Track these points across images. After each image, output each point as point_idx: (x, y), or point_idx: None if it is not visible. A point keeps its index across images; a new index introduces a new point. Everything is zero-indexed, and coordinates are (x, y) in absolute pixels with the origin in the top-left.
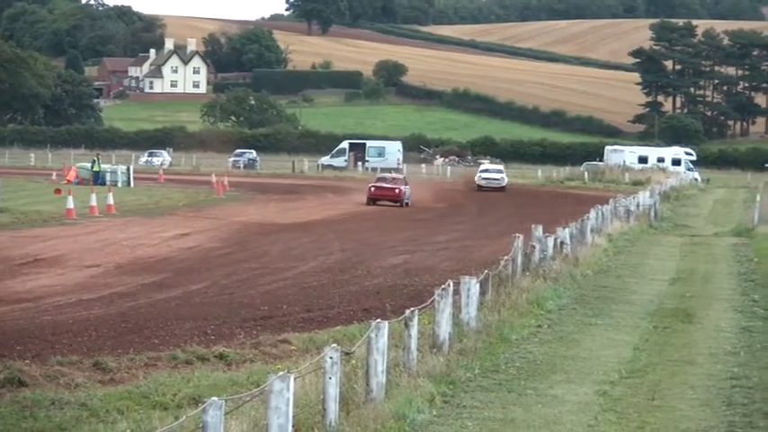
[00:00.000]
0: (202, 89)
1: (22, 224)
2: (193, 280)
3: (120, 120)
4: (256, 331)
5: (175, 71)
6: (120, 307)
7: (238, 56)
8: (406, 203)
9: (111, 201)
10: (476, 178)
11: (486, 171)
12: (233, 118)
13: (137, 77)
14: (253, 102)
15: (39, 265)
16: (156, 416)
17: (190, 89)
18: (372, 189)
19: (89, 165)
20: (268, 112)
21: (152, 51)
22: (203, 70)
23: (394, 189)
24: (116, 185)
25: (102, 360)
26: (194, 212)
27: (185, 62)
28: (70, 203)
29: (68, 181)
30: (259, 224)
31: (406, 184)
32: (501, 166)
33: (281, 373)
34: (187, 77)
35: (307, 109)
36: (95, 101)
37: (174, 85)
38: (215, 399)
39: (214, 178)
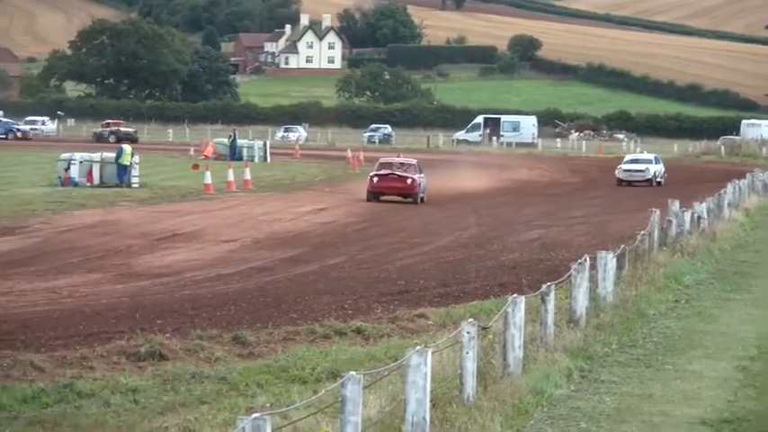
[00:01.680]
0: (337, 64)
1: (160, 199)
2: (330, 254)
3: (256, 95)
4: (393, 306)
5: (311, 47)
6: (258, 281)
7: (373, 31)
8: (422, 199)
9: (248, 176)
10: (616, 171)
11: (631, 161)
12: (368, 93)
13: (272, 53)
14: (387, 77)
15: (177, 239)
16: (295, 389)
17: (325, 65)
18: (374, 180)
19: (226, 140)
20: (403, 88)
21: (287, 27)
22: (338, 46)
23: (405, 179)
24: (253, 161)
25: (240, 334)
26: (330, 187)
27: (320, 38)
28: (208, 179)
29: (206, 156)
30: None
31: (420, 172)
32: (651, 155)
33: (418, 347)
34: (322, 53)
35: (441, 84)
36: (232, 77)
37: (309, 60)
38: (353, 373)
39: (350, 153)
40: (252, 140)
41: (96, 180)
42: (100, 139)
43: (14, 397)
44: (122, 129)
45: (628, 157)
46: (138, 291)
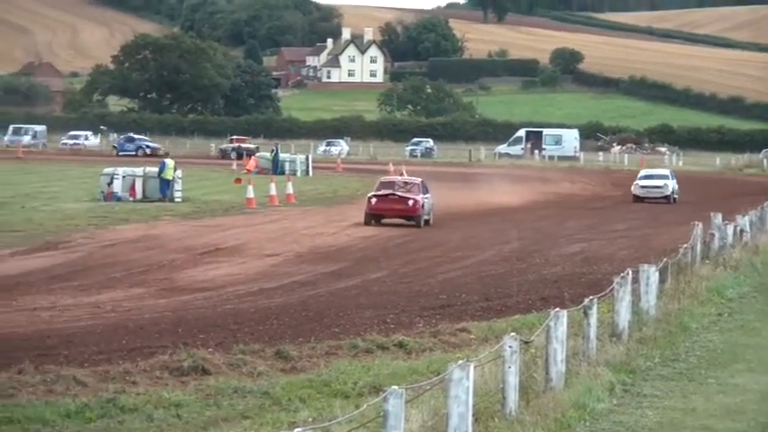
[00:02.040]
0: (379, 78)
1: (203, 213)
2: (372, 269)
3: (298, 109)
4: (435, 320)
5: (352, 60)
6: (301, 295)
7: (415, 45)
8: (426, 221)
9: (290, 190)
10: (632, 187)
11: (647, 177)
12: (410, 107)
13: (314, 67)
14: (429, 90)
15: (220, 254)
16: (338, 404)
17: (367, 78)
18: (373, 201)
19: (268, 154)
20: (444, 101)
21: (329, 41)
22: (380, 59)
23: (407, 200)
24: (295, 175)
25: (283, 348)
26: None
27: (362, 51)
28: (250, 193)
29: (248, 170)
30: (435, 213)
31: (425, 192)
32: (667, 170)
33: (460, 361)
34: (364, 67)
35: (483, 97)
36: (274, 91)
37: (351, 74)
38: (395, 387)
39: (392, 167)
40: (294, 154)
41: (139, 195)
42: (224, 155)
43: (58, 412)
44: (243, 145)
45: (642, 173)
46: (181, 305)
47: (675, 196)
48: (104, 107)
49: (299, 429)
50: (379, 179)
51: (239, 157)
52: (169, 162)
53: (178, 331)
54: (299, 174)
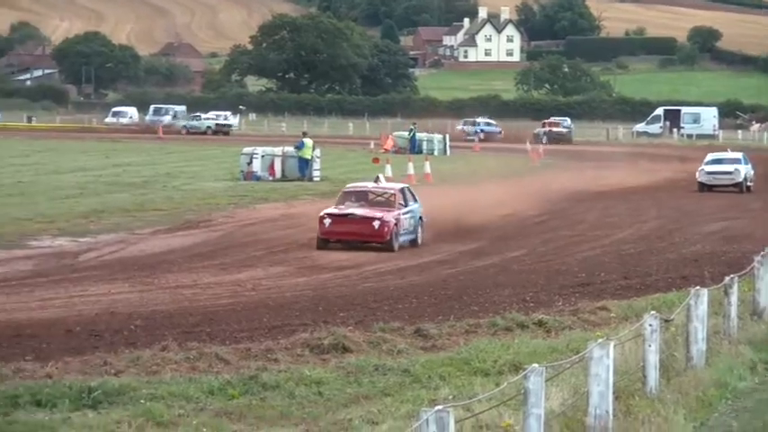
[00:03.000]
0: (516, 57)
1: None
2: (510, 247)
3: (434, 89)
4: (574, 298)
5: (489, 40)
6: (439, 274)
7: (551, 24)
8: (413, 241)
9: (427, 169)
10: (697, 173)
11: (715, 162)
12: (547, 86)
13: (451, 46)
14: (566, 69)
15: None
16: (478, 382)
17: (503, 58)
18: (326, 222)
19: (406, 134)
20: (582, 80)
21: (465, 20)
22: (517, 38)
23: (370, 222)
24: (432, 154)
25: (423, 326)
26: (510, 180)
27: (499, 31)
28: (388, 172)
29: (386, 150)
30: (574, 191)
31: (405, 204)
32: (739, 154)
33: (600, 340)
34: (501, 46)
35: (620, 76)
36: (411, 70)
37: (487, 53)
38: (535, 365)
39: (529, 146)
40: (431, 134)
41: (278, 174)
42: (536, 139)
43: (201, 389)
44: (554, 129)
45: (709, 157)
46: (321, 283)
47: (749, 184)
48: (243, 87)
49: (440, 407)
50: (344, 188)
51: (550, 141)
52: (307, 141)
53: (318, 309)
54: (436, 153)
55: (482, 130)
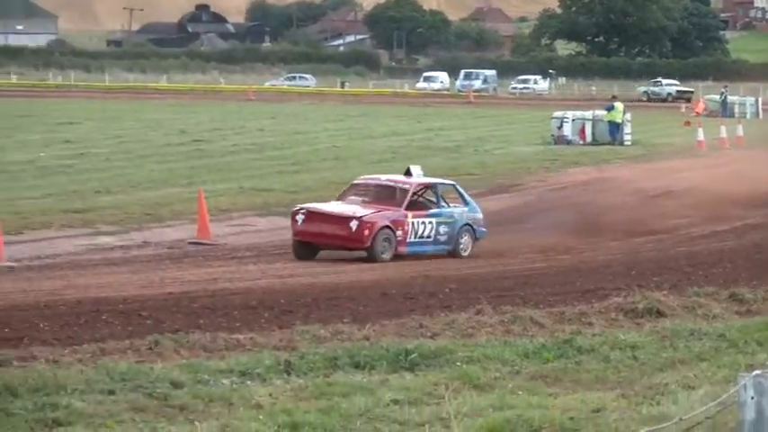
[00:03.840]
0: None
1: (652, 156)
2: None
3: (746, 51)
4: None
5: None
6: (753, 238)
7: None
8: (453, 252)
9: (740, 132)
10: None
11: None
12: None
13: (762, 8)
14: None
15: (671, 196)
16: None
17: None
18: (299, 220)
19: (717, 97)
20: None
21: None
22: None
23: (346, 222)
24: (744, 117)
25: (738, 291)
26: None
27: None
28: (700, 135)
29: (697, 113)
30: None
31: (408, 208)
32: None
33: None
34: None
35: None
36: (721, 33)
37: None
38: None
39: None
40: (743, 97)
41: (588, 138)
42: None
43: (516, 352)
44: None
45: None
46: (633, 248)
47: None
48: (552, 51)
49: (759, 371)
50: (354, 180)
51: None
52: (618, 105)
53: (631, 273)
54: (748, 116)
55: None
